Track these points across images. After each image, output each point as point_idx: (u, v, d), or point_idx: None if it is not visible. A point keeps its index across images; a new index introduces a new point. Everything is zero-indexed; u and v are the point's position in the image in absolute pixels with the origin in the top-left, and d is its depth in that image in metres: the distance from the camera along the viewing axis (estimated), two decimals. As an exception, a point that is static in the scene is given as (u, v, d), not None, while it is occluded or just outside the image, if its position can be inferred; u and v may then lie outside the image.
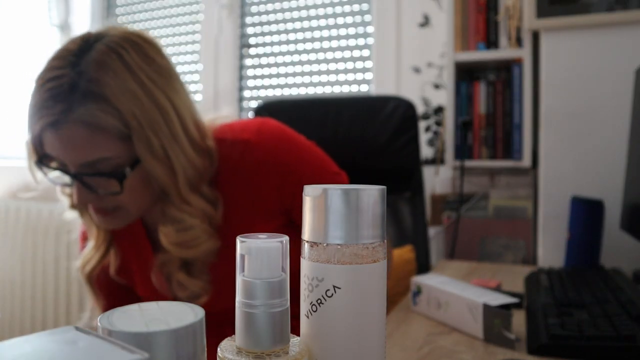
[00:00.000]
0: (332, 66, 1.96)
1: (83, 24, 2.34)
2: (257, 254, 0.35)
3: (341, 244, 0.36)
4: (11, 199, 2.23)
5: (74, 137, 0.71)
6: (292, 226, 0.86)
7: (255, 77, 2.11)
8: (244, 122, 0.90)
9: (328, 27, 1.97)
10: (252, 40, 2.11)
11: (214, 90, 2.15)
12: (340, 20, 1.95)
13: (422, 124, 1.74)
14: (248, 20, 2.13)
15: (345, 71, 1.94)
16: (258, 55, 2.10)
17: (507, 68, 1.52)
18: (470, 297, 0.70)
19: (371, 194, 0.36)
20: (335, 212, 0.36)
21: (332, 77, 1.96)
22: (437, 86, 1.75)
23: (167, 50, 0.88)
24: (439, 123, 1.74)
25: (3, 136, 2.47)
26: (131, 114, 0.71)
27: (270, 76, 2.08)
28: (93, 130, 0.71)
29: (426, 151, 1.74)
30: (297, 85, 2.03)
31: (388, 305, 0.50)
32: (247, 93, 2.13)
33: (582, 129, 1.22)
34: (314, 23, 1.99)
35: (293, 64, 2.03)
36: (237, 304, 0.35)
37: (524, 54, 1.45)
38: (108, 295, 0.94)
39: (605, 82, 1.19)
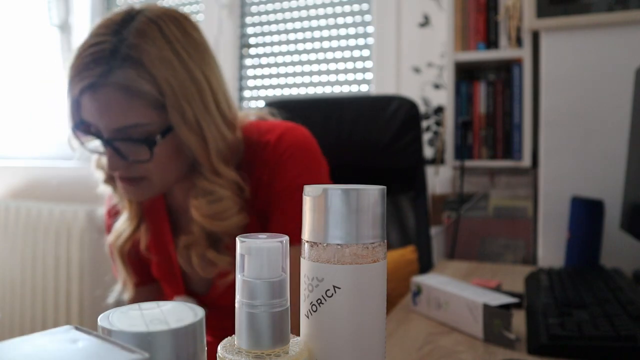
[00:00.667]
0: (332, 66, 1.96)
1: (83, 24, 2.33)
2: (257, 253, 0.35)
3: (341, 244, 0.36)
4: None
5: (110, 100, 0.74)
6: None
7: (255, 77, 2.11)
8: (272, 123, 0.91)
9: (328, 27, 1.97)
10: (252, 40, 2.11)
11: (214, 90, 2.14)
12: (340, 20, 1.95)
13: (422, 124, 1.73)
14: (248, 20, 2.12)
15: (345, 71, 1.94)
16: (258, 55, 2.10)
17: (507, 68, 1.52)
18: (470, 297, 0.70)
19: (371, 194, 0.36)
20: (335, 212, 0.36)
21: (332, 77, 1.96)
22: (437, 86, 1.75)
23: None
24: (439, 123, 1.74)
25: (3, 136, 2.47)
26: (166, 82, 0.74)
27: (270, 76, 2.08)
28: (129, 94, 0.74)
29: (426, 151, 1.74)
30: (297, 85, 2.03)
31: (388, 306, 0.50)
32: (247, 93, 2.13)
33: (582, 129, 1.22)
34: (314, 23, 1.99)
35: (293, 64, 2.03)
36: (237, 304, 0.35)
37: (524, 54, 1.45)
38: (138, 272, 0.95)
39: (605, 82, 1.19)
